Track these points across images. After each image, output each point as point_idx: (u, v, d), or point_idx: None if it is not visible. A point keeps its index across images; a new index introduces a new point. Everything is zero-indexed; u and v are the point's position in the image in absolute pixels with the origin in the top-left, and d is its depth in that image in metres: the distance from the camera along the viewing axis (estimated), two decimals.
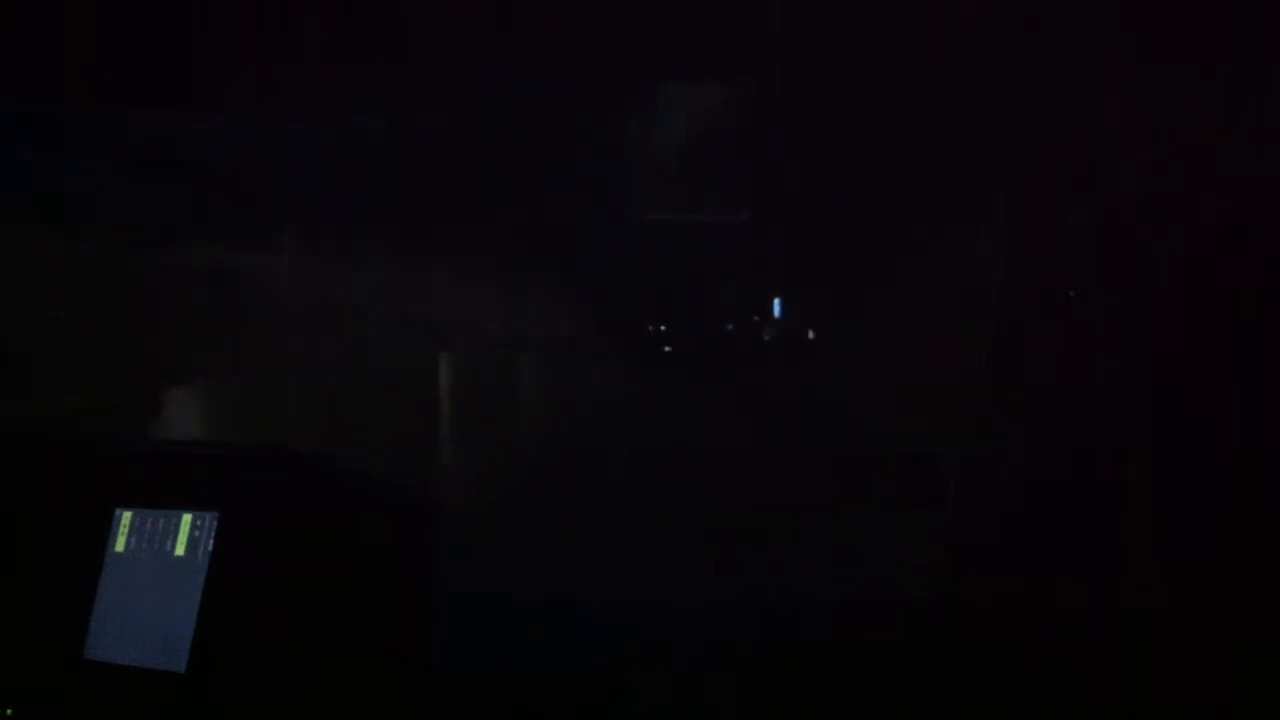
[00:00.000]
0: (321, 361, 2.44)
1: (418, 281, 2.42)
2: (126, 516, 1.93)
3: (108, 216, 2.42)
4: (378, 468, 2.14)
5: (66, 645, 1.89)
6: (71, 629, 1.89)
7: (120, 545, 1.93)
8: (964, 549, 2.18)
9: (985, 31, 2.18)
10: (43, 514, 1.99)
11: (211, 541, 1.85)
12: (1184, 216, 2.11)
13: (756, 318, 2.43)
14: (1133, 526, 2.08)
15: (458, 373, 2.42)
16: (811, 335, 2.35)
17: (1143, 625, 2.03)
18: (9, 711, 1.88)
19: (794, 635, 2.17)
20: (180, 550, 1.87)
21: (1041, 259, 2.21)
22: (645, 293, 2.42)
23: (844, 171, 2.32)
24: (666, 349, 2.43)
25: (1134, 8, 2.11)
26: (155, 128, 2.44)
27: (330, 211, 2.44)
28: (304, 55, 2.34)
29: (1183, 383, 2.09)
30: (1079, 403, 2.15)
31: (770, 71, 2.30)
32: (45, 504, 1.99)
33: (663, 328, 2.42)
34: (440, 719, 2.03)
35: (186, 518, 1.88)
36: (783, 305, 2.39)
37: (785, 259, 2.41)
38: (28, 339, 2.39)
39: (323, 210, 2.44)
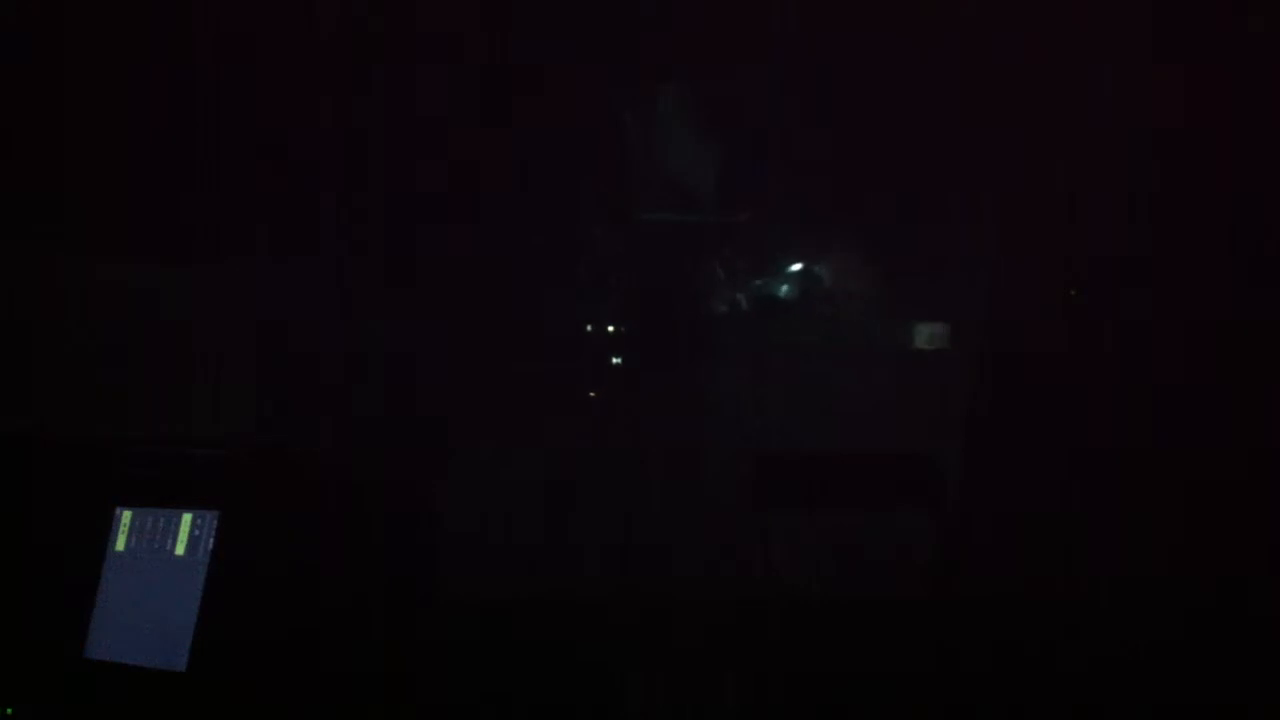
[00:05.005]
0: None
1: (417, 277, 2.42)
2: (127, 516, 1.94)
3: None
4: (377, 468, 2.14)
5: (66, 645, 1.89)
6: (71, 628, 1.89)
7: (121, 544, 1.93)
8: (964, 549, 2.18)
9: (986, 30, 2.18)
10: (43, 514, 1.99)
11: (211, 541, 1.85)
12: (1184, 215, 2.11)
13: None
14: (1133, 526, 2.08)
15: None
16: None
17: (1142, 625, 2.03)
18: (9, 710, 1.88)
19: (794, 635, 2.17)
20: (180, 550, 1.87)
21: (1040, 260, 2.21)
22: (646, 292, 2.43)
23: (842, 171, 2.32)
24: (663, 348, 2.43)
25: (1134, 7, 2.11)
26: None
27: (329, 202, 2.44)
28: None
29: (1183, 382, 2.09)
30: (1078, 402, 2.15)
31: (771, 71, 2.30)
32: (45, 504, 2.00)
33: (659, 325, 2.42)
34: (438, 717, 2.04)
35: (186, 517, 1.88)
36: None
37: (783, 259, 2.41)
38: None
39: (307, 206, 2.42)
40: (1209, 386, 2.07)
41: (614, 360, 2.44)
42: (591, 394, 2.43)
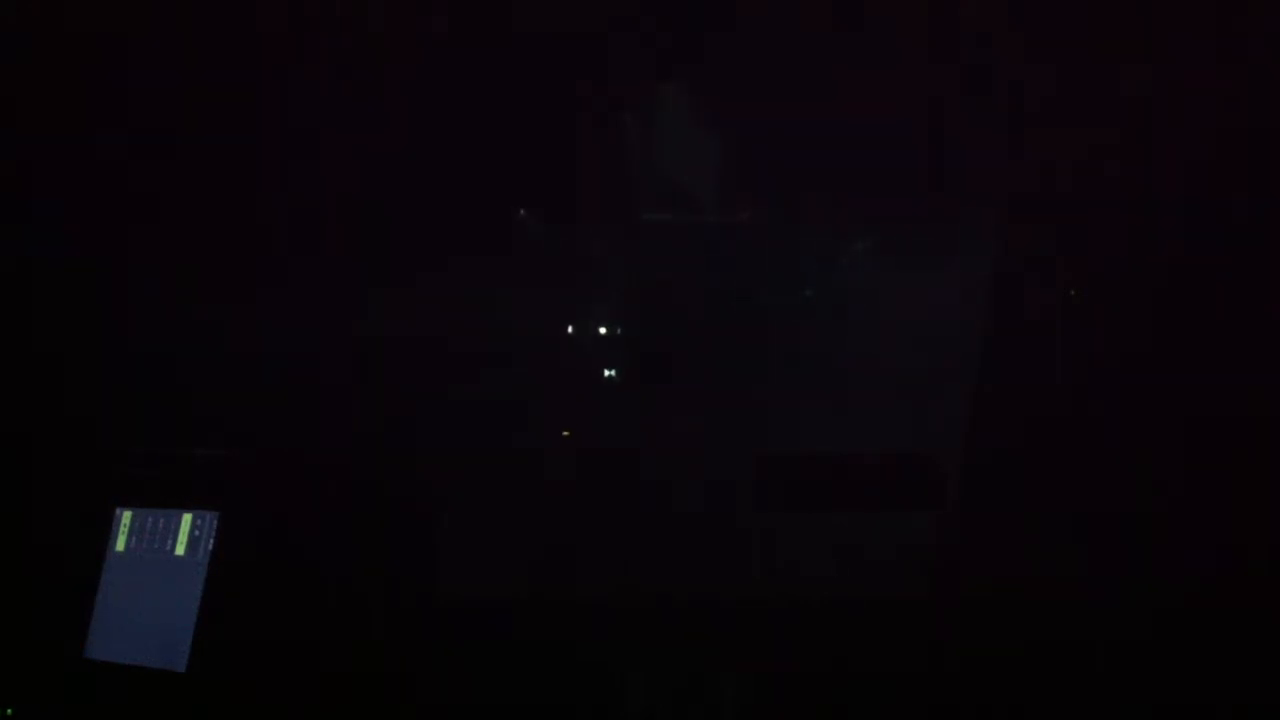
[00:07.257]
0: None
1: (420, 279, 2.42)
2: (127, 516, 1.94)
3: None
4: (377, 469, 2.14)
5: (66, 645, 1.89)
6: (71, 629, 1.90)
7: (121, 545, 1.93)
8: (964, 549, 2.18)
9: (985, 31, 2.18)
10: (43, 514, 2.00)
11: (211, 541, 1.85)
12: (1185, 215, 2.11)
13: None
14: (1132, 526, 2.08)
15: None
16: None
17: (1142, 625, 2.03)
18: (9, 711, 1.88)
19: (794, 635, 2.17)
20: (180, 550, 1.87)
21: (1039, 259, 2.21)
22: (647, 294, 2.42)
23: (842, 170, 2.32)
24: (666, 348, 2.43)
25: (1132, 8, 2.11)
26: None
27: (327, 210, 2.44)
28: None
29: (1182, 382, 2.09)
30: (1077, 401, 2.15)
31: (770, 71, 2.30)
32: (45, 504, 2.00)
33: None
34: (438, 718, 2.04)
35: (186, 518, 1.88)
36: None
37: (782, 259, 2.41)
38: None
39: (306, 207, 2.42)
40: (1209, 386, 2.07)
41: (614, 360, 2.44)
42: (576, 411, 2.43)
